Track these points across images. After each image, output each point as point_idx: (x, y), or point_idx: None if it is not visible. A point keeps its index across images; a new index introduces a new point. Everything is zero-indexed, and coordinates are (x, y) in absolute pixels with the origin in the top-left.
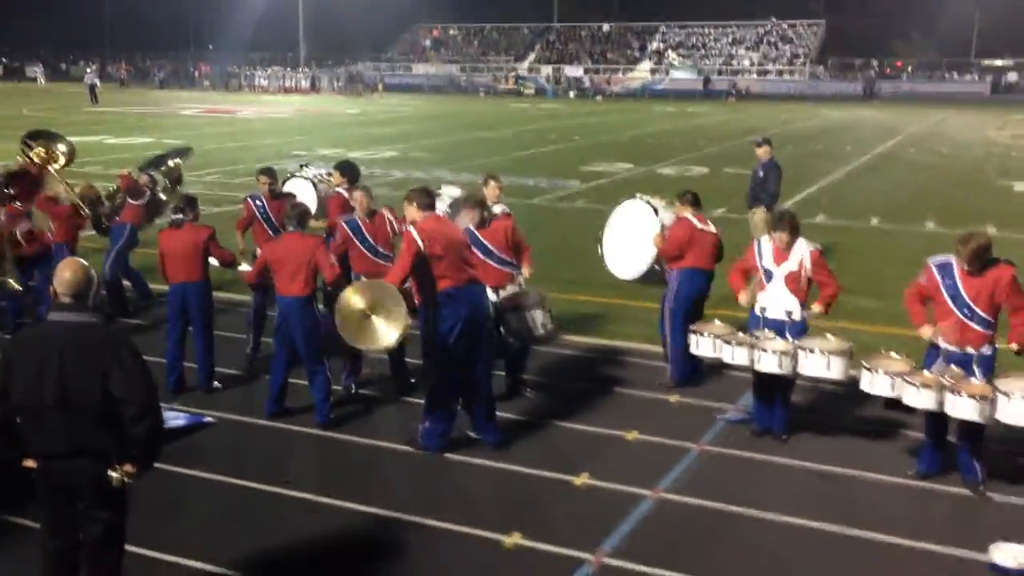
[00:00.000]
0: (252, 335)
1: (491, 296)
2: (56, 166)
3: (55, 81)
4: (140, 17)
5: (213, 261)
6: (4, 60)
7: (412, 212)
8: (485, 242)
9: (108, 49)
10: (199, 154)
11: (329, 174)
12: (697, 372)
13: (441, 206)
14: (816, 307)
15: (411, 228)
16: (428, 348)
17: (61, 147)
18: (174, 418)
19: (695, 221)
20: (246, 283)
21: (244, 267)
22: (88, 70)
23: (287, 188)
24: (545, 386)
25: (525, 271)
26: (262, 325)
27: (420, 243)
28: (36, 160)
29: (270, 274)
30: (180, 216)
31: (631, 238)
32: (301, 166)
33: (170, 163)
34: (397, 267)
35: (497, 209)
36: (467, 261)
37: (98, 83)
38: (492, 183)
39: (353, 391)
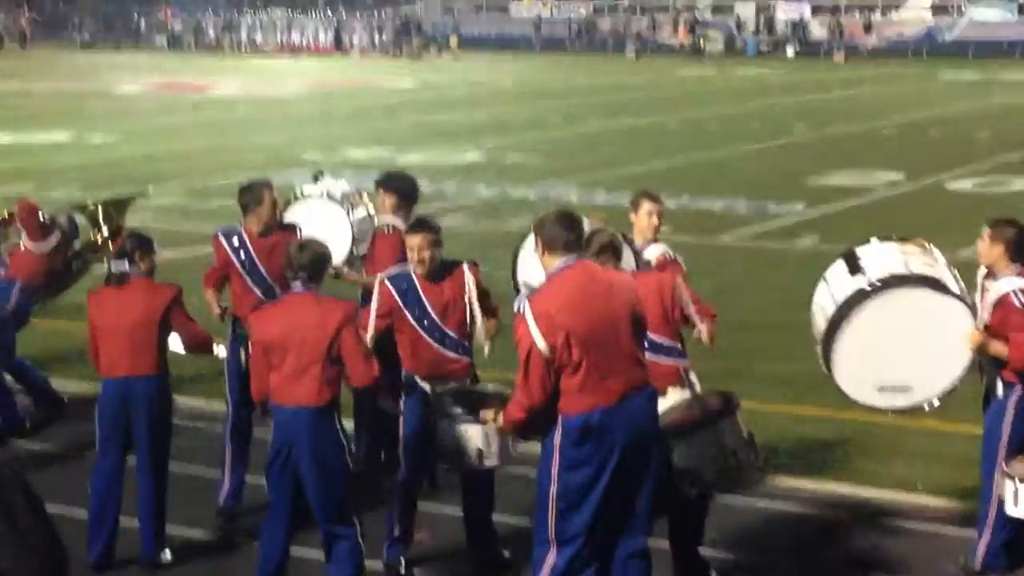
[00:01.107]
0: (229, 470)
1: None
2: None
3: None
4: None
5: (175, 343)
6: None
7: (544, 258)
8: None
9: None
10: (146, 164)
11: (360, 194)
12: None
13: (301, 214)
14: None
15: (526, 310)
16: (545, 508)
17: None
18: None
19: None
20: (230, 387)
21: (221, 352)
22: None
23: (291, 215)
24: (744, 567)
25: (704, 332)
26: (246, 451)
27: (540, 339)
28: None
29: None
30: (124, 267)
31: (901, 333)
32: (315, 177)
33: (109, 210)
34: (526, 391)
35: (652, 252)
36: (626, 354)
37: None
38: (646, 206)
39: (401, 571)
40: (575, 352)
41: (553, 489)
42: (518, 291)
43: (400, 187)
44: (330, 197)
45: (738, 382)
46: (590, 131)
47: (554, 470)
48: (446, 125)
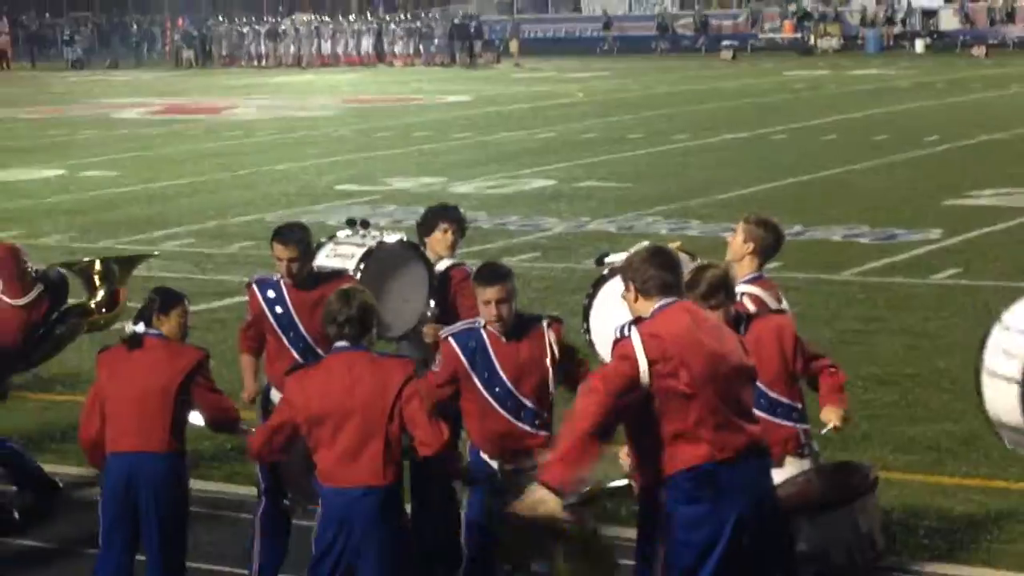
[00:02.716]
0: (258, 570)
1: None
2: None
3: None
4: None
5: (196, 418)
6: None
7: (637, 303)
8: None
9: None
10: (151, 202)
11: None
12: None
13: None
14: None
15: (633, 331)
16: None
17: None
18: None
19: None
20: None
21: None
22: None
23: (328, 260)
24: None
25: (832, 416)
26: (282, 547)
27: (644, 361)
28: None
29: (299, 447)
30: (140, 329)
31: None
32: (352, 224)
33: (111, 266)
34: (586, 406)
35: (744, 292)
36: (741, 404)
37: None
38: (747, 231)
39: None
40: (687, 382)
41: (663, 552)
42: (597, 357)
43: (460, 219)
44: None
45: (867, 447)
46: (678, 149)
47: (669, 531)
48: (506, 146)
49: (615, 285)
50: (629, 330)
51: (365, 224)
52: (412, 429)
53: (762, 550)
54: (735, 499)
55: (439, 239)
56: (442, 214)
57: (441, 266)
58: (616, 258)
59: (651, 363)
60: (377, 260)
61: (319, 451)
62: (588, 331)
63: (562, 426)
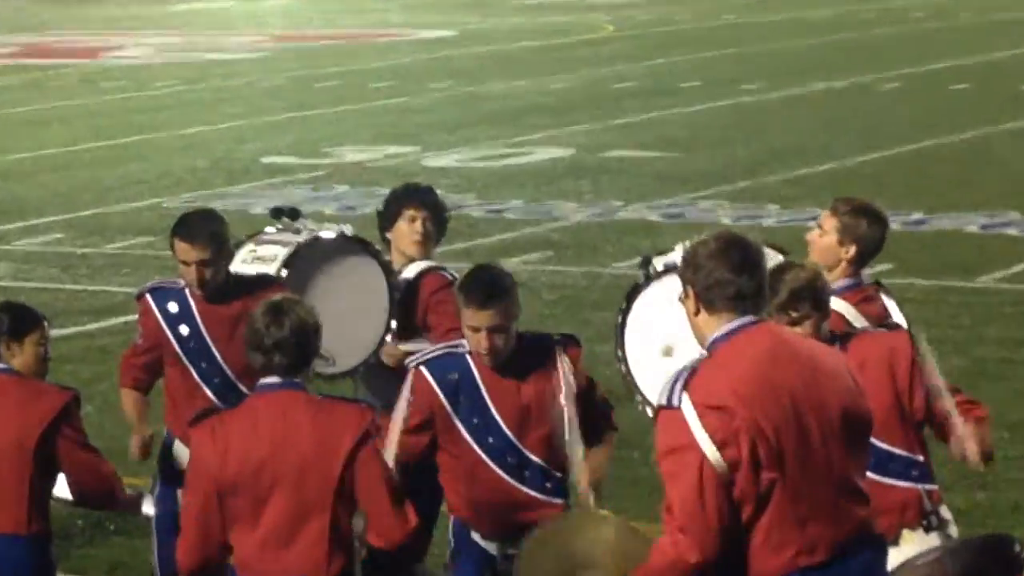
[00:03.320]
0: None
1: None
2: None
3: None
4: None
5: (61, 488)
6: None
7: (699, 317)
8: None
9: None
10: (6, 184)
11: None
12: None
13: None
14: None
15: (681, 396)
16: None
17: None
18: None
19: None
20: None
21: (147, 506)
22: None
23: (245, 267)
24: None
25: (971, 447)
26: None
27: (714, 452)
28: None
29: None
30: None
31: None
32: (279, 215)
33: None
34: (689, 538)
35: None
36: (839, 480)
37: None
38: (842, 226)
39: None
40: (763, 474)
41: None
42: (635, 392)
43: (434, 204)
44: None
45: (1019, 519)
46: (749, 105)
47: None
48: (505, 101)
49: (660, 289)
50: (677, 397)
51: (295, 215)
52: (366, 508)
53: None
54: None
55: (404, 233)
56: (408, 197)
57: (408, 272)
58: (670, 260)
59: (721, 446)
60: (307, 262)
61: (235, 531)
62: (624, 359)
63: (667, 546)
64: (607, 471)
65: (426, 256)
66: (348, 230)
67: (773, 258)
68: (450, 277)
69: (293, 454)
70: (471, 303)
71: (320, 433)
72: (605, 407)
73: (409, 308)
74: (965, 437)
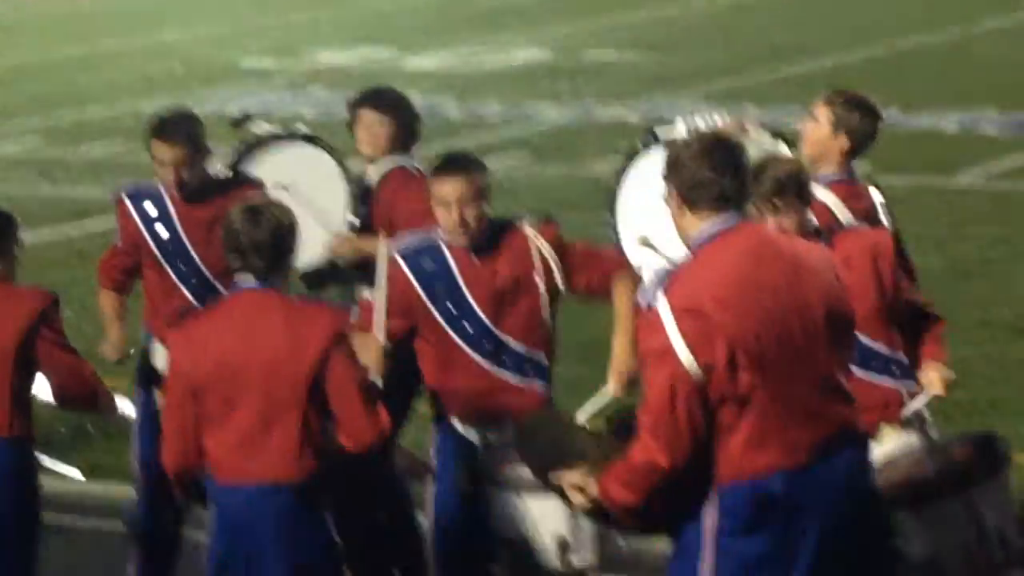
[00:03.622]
0: None
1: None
2: None
3: None
4: None
5: (41, 389)
6: None
7: (683, 217)
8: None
9: None
10: None
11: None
12: None
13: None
14: None
15: (659, 300)
16: None
17: None
18: None
19: None
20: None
21: (127, 408)
22: None
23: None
24: None
25: (934, 378)
26: (167, 566)
27: (686, 353)
28: None
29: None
30: None
31: None
32: (237, 123)
33: None
34: (659, 444)
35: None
36: (822, 380)
37: None
38: (835, 117)
39: None
40: (742, 377)
41: None
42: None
43: (396, 105)
44: (302, 138)
45: (997, 416)
46: (724, 4)
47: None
48: (484, 3)
49: (657, 161)
50: (655, 300)
51: (245, 119)
52: (337, 410)
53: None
54: (810, 520)
55: (359, 137)
56: (359, 101)
57: (372, 172)
58: (678, 133)
59: (696, 352)
60: (258, 160)
61: (208, 432)
62: (613, 222)
63: (639, 449)
64: (631, 359)
65: (390, 156)
66: (301, 128)
67: (773, 144)
68: (413, 172)
69: (264, 355)
70: (440, 174)
71: (292, 335)
72: (609, 255)
73: (370, 206)
74: (927, 368)
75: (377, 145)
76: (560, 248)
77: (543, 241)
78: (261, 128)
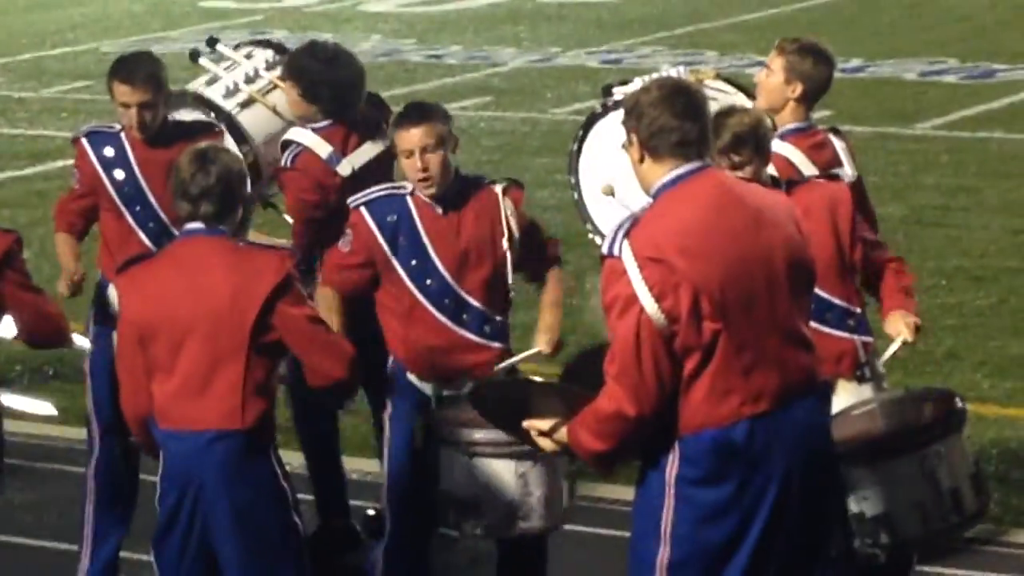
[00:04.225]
0: (91, 540)
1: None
2: None
3: None
4: None
5: (6, 327)
6: None
7: (643, 166)
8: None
9: None
10: None
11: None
12: None
13: None
14: None
15: (622, 245)
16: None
17: None
18: None
19: None
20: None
21: (82, 341)
22: None
23: (184, 113)
24: None
25: (901, 327)
26: (124, 510)
27: (652, 305)
28: None
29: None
30: None
31: None
32: (195, 57)
33: None
34: (626, 392)
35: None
36: (784, 328)
37: None
38: (789, 65)
39: None
40: (705, 325)
41: (664, 555)
42: (586, 221)
43: (294, 73)
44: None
45: (953, 369)
46: None
47: (666, 526)
48: None
49: (616, 122)
50: (618, 246)
51: (212, 43)
52: (299, 353)
53: (813, 523)
54: (772, 468)
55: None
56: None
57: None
58: (631, 90)
59: (659, 297)
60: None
61: (155, 379)
62: (577, 186)
63: (607, 397)
64: (558, 300)
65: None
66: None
67: (734, 96)
68: (297, 149)
69: (209, 300)
70: (402, 122)
71: (237, 280)
72: (551, 246)
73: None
74: (895, 316)
75: (298, 109)
76: (521, 218)
77: (509, 202)
78: (227, 51)
